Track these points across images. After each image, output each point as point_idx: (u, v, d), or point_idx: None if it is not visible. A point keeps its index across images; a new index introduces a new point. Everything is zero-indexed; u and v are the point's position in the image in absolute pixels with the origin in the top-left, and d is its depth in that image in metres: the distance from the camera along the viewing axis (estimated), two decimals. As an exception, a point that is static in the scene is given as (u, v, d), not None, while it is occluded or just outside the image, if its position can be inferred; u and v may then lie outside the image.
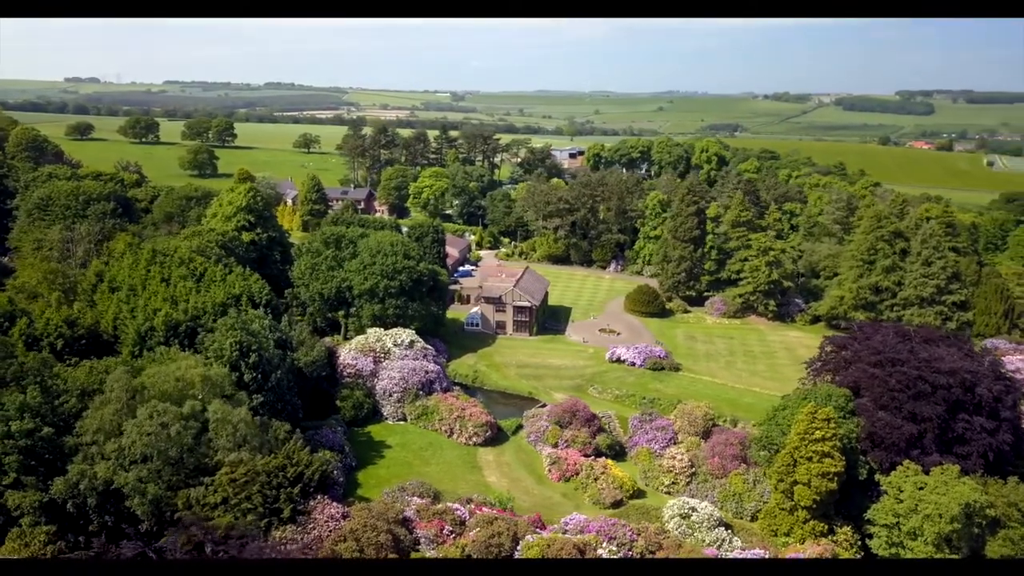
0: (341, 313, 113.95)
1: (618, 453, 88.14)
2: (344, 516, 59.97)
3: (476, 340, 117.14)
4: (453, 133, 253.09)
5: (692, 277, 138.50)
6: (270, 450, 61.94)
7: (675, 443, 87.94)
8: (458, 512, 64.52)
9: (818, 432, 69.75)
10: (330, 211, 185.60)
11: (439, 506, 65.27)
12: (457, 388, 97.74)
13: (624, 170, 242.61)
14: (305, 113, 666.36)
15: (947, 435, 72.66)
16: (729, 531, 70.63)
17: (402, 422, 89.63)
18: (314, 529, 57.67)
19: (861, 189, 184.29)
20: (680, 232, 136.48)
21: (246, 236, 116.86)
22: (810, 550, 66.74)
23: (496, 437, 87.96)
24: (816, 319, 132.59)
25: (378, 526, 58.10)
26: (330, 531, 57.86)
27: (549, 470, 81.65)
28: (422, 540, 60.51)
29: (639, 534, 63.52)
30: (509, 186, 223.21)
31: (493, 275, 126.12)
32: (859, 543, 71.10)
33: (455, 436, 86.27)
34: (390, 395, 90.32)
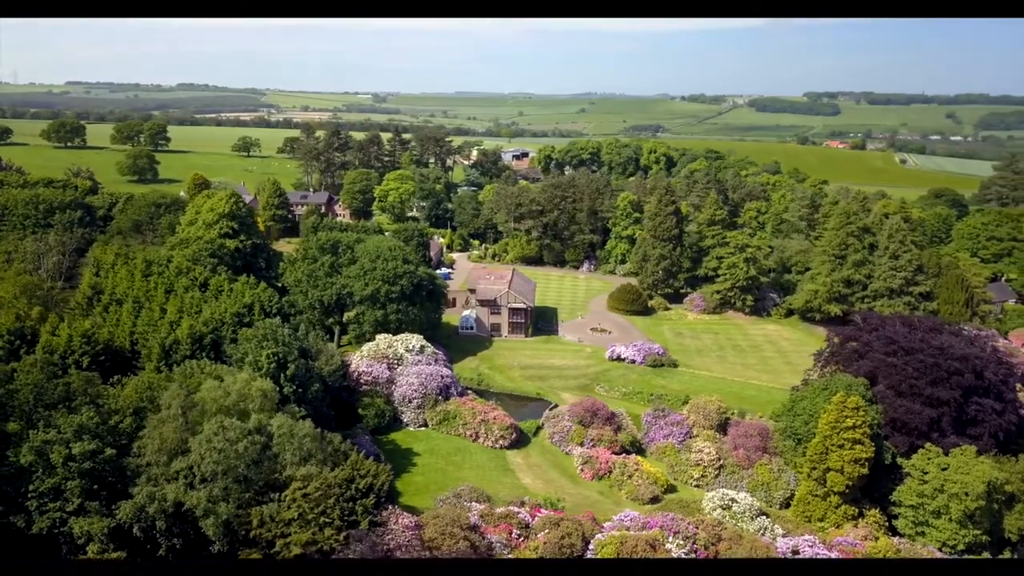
0: (333, 320, 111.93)
1: (638, 450, 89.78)
2: (417, 525, 59.19)
3: (473, 343, 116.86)
4: (406, 136, 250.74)
5: (670, 275, 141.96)
6: (333, 463, 60.52)
7: (691, 437, 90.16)
8: (520, 515, 64.60)
9: (849, 420, 73.08)
10: (290, 216, 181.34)
11: (501, 510, 65.16)
12: (470, 392, 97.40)
13: (574, 171, 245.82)
14: (228, 115, 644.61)
15: (962, 418, 77.34)
16: (768, 519, 73.04)
17: (423, 428, 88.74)
18: (392, 540, 56.67)
19: (810, 187, 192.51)
20: (659, 231, 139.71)
21: (230, 243, 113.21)
22: (851, 533, 69.83)
23: (519, 439, 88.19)
24: (790, 312, 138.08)
25: (456, 533, 57.70)
26: (407, 540, 57.03)
27: (581, 469, 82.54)
28: (496, 545, 60.34)
29: (698, 527, 65.09)
30: (466, 188, 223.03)
31: (483, 278, 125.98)
32: (887, 524, 75.03)
33: (481, 440, 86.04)
34: (409, 401, 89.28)
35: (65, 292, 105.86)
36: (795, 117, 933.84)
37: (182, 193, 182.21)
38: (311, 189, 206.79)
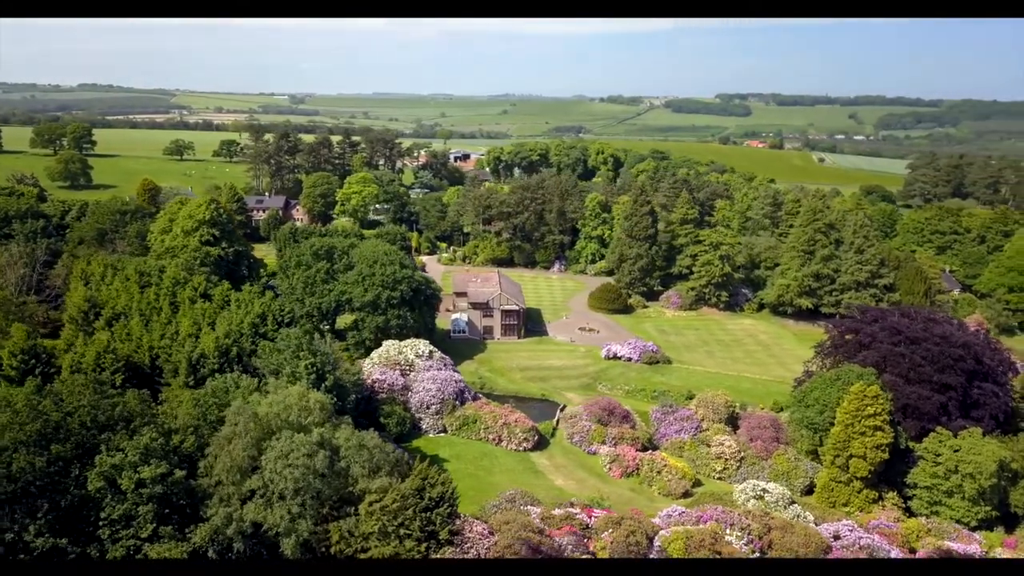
0: (326, 326, 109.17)
1: (652, 446, 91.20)
2: (490, 532, 58.65)
3: (467, 346, 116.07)
4: (355, 138, 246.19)
5: (647, 273, 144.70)
6: (401, 473, 59.32)
7: (701, 431, 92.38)
8: (579, 516, 64.86)
9: (869, 408, 76.48)
10: (248, 221, 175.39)
11: (559, 512, 65.24)
12: (481, 396, 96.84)
13: (523, 173, 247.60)
14: (140, 117, 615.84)
15: (966, 401, 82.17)
16: (800, 507, 75.60)
17: (443, 434, 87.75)
18: (471, 548, 56.03)
19: (758, 186, 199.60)
20: (635, 231, 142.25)
21: (213, 251, 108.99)
22: (883, 515, 73.23)
23: (539, 441, 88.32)
24: (762, 307, 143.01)
25: (530, 538, 57.46)
26: (486, 548, 56.48)
27: (609, 468, 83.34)
28: (566, 547, 60.34)
29: (748, 518, 66.85)
30: (419, 190, 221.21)
31: (470, 281, 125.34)
32: (903, 506, 78.95)
33: (504, 444, 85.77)
34: (428, 408, 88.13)
35: (36, 306, 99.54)
36: (709, 118, 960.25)
37: (128, 199, 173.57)
38: (266, 193, 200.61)
